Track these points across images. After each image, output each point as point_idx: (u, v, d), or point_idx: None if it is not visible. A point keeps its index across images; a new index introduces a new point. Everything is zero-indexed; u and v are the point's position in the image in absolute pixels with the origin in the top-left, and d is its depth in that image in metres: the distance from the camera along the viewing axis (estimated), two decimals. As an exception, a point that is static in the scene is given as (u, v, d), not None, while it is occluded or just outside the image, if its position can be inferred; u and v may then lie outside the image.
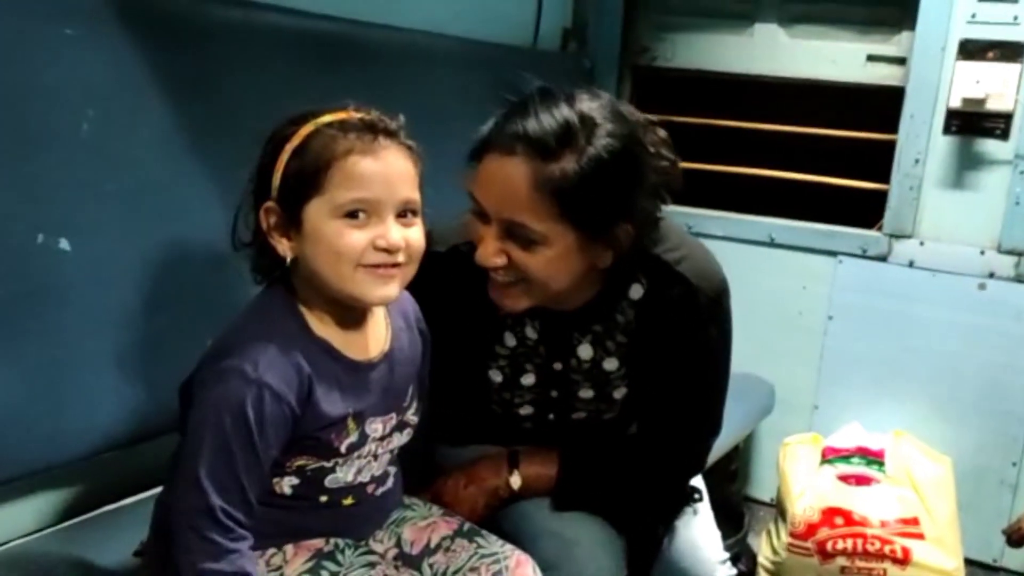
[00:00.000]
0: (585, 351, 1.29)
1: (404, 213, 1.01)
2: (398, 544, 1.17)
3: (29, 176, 1.18)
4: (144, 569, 1.14)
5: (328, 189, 0.97)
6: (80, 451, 1.25)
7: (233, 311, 1.06)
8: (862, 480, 2.08)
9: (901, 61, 2.28)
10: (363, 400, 1.06)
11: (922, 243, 2.26)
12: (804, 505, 2.06)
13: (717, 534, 1.41)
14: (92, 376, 1.25)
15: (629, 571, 1.30)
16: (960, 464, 2.17)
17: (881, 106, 2.30)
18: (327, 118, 1.00)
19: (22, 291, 1.17)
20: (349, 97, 1.03)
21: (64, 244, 1.21)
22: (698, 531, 1.38)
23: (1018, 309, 2.18)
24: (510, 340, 1.30)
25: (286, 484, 1.06)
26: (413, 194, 1.02)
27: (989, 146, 2.17)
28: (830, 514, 2.02)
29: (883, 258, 2.31)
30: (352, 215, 0.98)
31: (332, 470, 1.07)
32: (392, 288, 1.02)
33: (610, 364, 1.29)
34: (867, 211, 2.34)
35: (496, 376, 1.33)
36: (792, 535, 2.05)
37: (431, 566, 1.15)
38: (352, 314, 1.06)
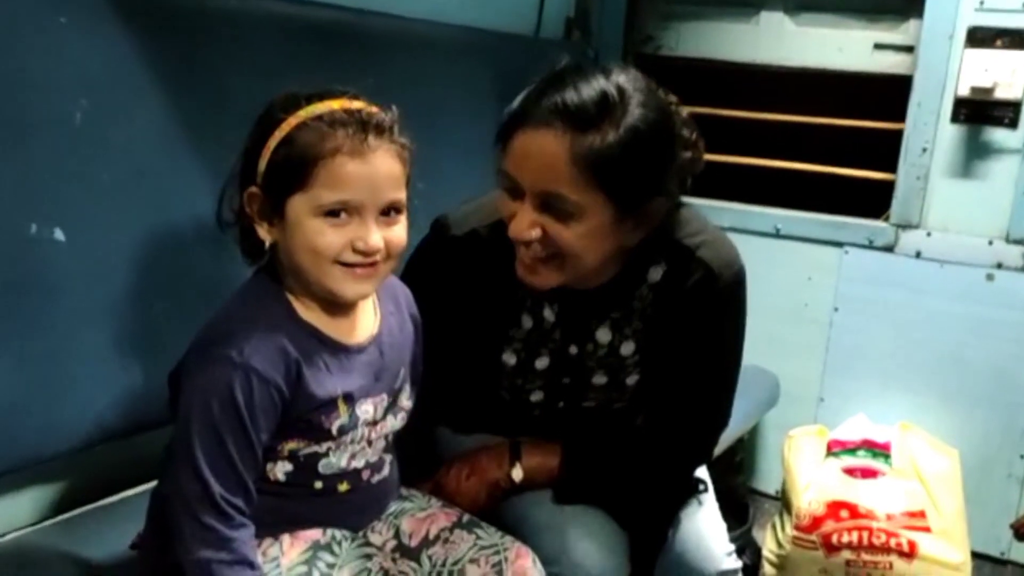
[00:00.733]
0: (604, 334, 1.29)
1: (387, 211, 1.01)
2: (396, 536, 1.17)
3: (23, 166, 1.17)
4: (140, 562, 1.14)
5: (313, 186, 0.97)
6: (75, 443, 1.25)
7: (228, 301, 1.06)
8: (868, 473, 2.06)
9: (909, 49, 2.25)
10: (353, 382, 1.06)
11: (929, 233, 2.24)
12: (809, 498, 2.04)
13: (723, 525, 1.40)
14: (87, 367, 1.24)
15: (633, 564, 1.30)
16: (967, 456, 2.15)
17: (888, 95, 2.27)
18: (318, 109, 0.99)
19: (16, 282, 1.17)
20: (348, 87, 1.02)
21: (58, 234, 1.20)
22: (703, 522, 1.37)
23: (1027, 300, 2.16)
24: (527, 322, 1.30)
25: (279, 470, 1.05)
26: (398, 194, 1.02)
27: (997, 135, 2.14)
28: (835, 507, 2.01)
29: (890, 249, 2.28)
30: (333, 213, 0.98)
31: (325, 455, 1.07)
32: (367, 286, 1.03)
33: (627, 348, 1.29)
34: (874, 201, 2.32)
35: (510, 359, 1.32)
36: (797, 528, 2.03)
37: (430, 558, 1.15)
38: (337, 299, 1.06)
